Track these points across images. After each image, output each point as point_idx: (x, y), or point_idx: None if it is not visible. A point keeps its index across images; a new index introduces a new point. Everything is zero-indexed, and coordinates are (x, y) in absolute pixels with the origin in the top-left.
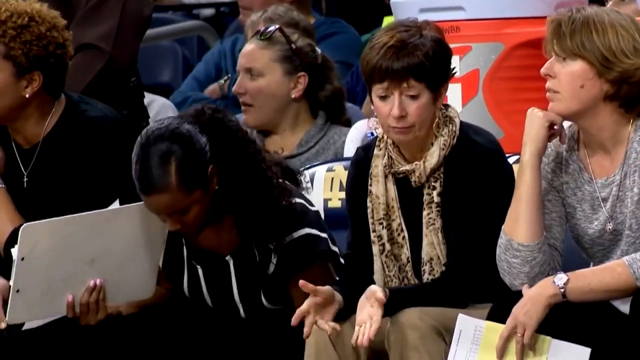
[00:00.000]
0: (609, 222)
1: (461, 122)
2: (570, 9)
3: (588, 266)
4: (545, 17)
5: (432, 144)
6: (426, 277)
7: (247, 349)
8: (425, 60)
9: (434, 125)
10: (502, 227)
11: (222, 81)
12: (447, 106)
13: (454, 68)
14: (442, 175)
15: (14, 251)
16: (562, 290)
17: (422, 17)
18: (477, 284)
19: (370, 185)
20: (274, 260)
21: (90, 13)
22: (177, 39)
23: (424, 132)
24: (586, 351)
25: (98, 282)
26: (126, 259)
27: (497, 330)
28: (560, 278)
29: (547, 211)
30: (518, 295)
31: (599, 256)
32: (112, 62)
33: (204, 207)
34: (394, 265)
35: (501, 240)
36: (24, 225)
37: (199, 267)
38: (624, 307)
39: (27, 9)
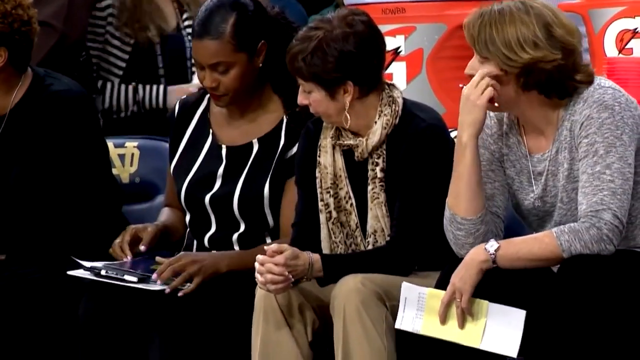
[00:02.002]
0: (544, 195)
1: (405, 100)
2: (482, 7)
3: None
4: (486, 0)
5: (376, 122)
6: (370, 248)
7: (196, 314)
8: (304, 64)
9: (378, 105)
10: (447, 200)
11: None
12: (391, 87)
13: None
14: (384, 152)
15: None
16: (492, 256)
17: None
18: (418, 253)
19: (319, 156)
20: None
21: None
22: None
23: (334, 119)
24: (522, 313)
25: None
26: None
27: (438, 296)
28: (492, 245)
29: (490, 180)
30: None
31: (534, 226)
32: (64, 39)
33: (243, 74)
34: (340, 231)
35: (446, 214)
36: None
37: (223, 146)
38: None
39: None
